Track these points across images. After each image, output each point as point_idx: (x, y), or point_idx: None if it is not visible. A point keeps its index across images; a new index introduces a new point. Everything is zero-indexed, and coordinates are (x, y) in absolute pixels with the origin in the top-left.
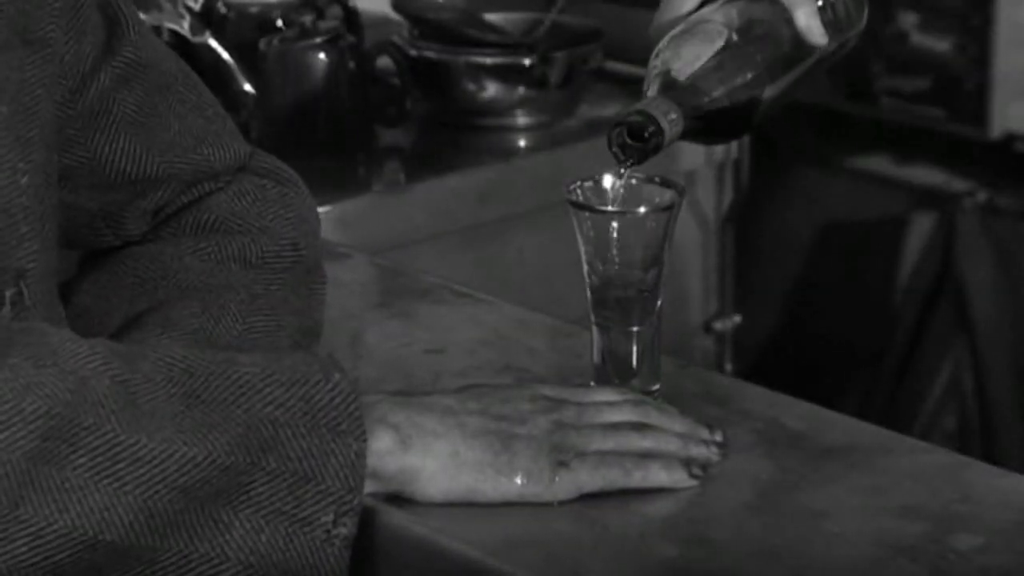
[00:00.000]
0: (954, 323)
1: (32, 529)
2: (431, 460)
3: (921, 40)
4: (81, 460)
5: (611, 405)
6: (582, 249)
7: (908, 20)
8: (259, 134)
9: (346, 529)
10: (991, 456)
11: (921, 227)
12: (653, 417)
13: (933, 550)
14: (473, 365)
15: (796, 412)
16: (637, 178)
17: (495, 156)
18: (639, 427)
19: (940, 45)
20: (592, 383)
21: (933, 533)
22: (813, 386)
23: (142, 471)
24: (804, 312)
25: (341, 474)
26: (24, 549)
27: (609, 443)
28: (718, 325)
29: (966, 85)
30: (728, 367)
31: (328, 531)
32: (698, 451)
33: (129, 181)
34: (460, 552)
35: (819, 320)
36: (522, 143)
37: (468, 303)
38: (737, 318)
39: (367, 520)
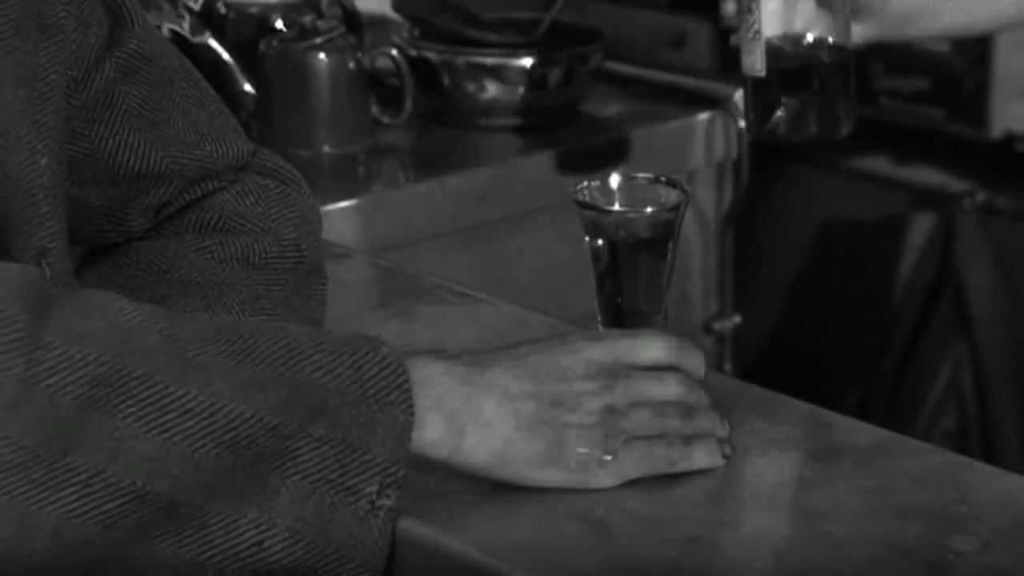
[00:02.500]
0: (953, 323)
1: (82, 477)
2: (483, 448)
3: (920, 40)
4: (131, 409)
5: (660, 382)
6: (588, 247)
7: None
8: (259, 134)
9: (390, 501)
10: (991, 456)
11: (920, 227)
12: (693, 395)
13: (933, 550)
14: None
15: (796, 412)
16: (643, 178)
17: (495, 156)
18: (682, 408)
19: (940, 45)
20: None
21: (933, 533)
22: (813, 386)
23: (190, 423)
24: (804, 312)
25: (387, 445)
26: (73, 498)
27: (655, 429)
28: (718, 325)
29: (966, 85)
30: (728, 367)
31: (372, 502)
32: (725, 428)
33: (132, 175)
34: (461, 552)
35: (819, 320)
36: (521, 144)
37: (468, 303)
38: (737, 318)
39: None
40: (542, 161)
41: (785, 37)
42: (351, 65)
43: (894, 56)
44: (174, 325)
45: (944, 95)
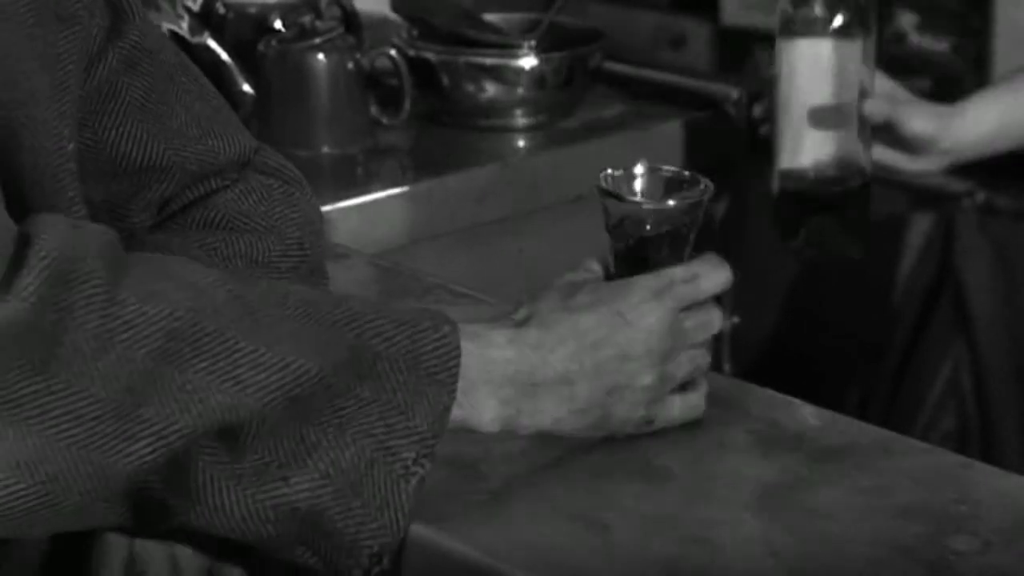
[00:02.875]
0: (953, 323)
1: (155, 428)
2: (532, 427)
3: (920, 41)
4: (203, 364)
5: (710, 324)
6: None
7: (907, 21)
8: (258, 135)
9: (423, 470)
10: (990, 456)
11: (920, 227)
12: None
13: (932, 550)
14: None
15: (795, 412)
16: (667, 170)
17: (494, 156)
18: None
19: (939, 46)
20: None
21: (932, 534)
22: (812, 386)
23: (260, 376)
24: (803, 312)
25: (429, 418)
26: (148, 450)
27: (696, 372)
28: None
29: (965, 86)
30: (727, 367)
31: (407, 467)
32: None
33: (134, 168)
34: (461, 552)
35: (818, 320)
36: (521, 144)
37: (467, 303)
38: (735, 318)
39: None
40: (541, 161)
41: (802, 168)
42: (350, 65)
43: (893, 57)
44: (243, 286)
45: (944, 96)
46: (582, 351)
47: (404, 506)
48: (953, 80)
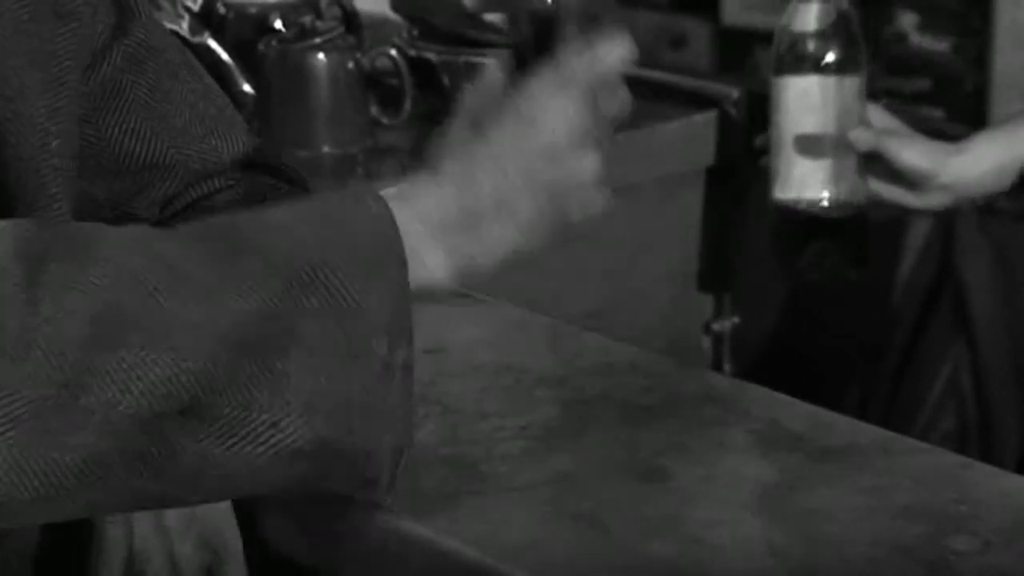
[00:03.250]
0: (953, 323)
1: (99, 416)
2: (489, 263)
3: (920, 41)
4: (135, 338)
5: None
6: None
7: (907, 21)
8: (258, 135)
9: (403, 353)
10: (990, 456)
11: (919, 227)
12: None
13: (932, 550)
14: (473, 365)
15: (795, 413)
16: None
17: None
18: None
19: (939, 46)
20: None
21: (932, 534)
22: (812, 387)
23: (195, 336)
24: (803, 312)
25: (386, 302)
26: (94, 438)
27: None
28: (716, 325)
29: (965, 86)
30: (727, 368)
31: (386, 363)
32: None
33: (138, 166)
34: (460, 552)
35: (818, 320)
36: None
37: (468, 303)
38: (736, 318)
39: (367, 520)
40: None
41: (796, 198)
42: (350, 65)
43: (893, 57)
44: (162, 242)
45: (944, 96)
46: (507, 166)
47: (400, 403)
48: (953, 80)
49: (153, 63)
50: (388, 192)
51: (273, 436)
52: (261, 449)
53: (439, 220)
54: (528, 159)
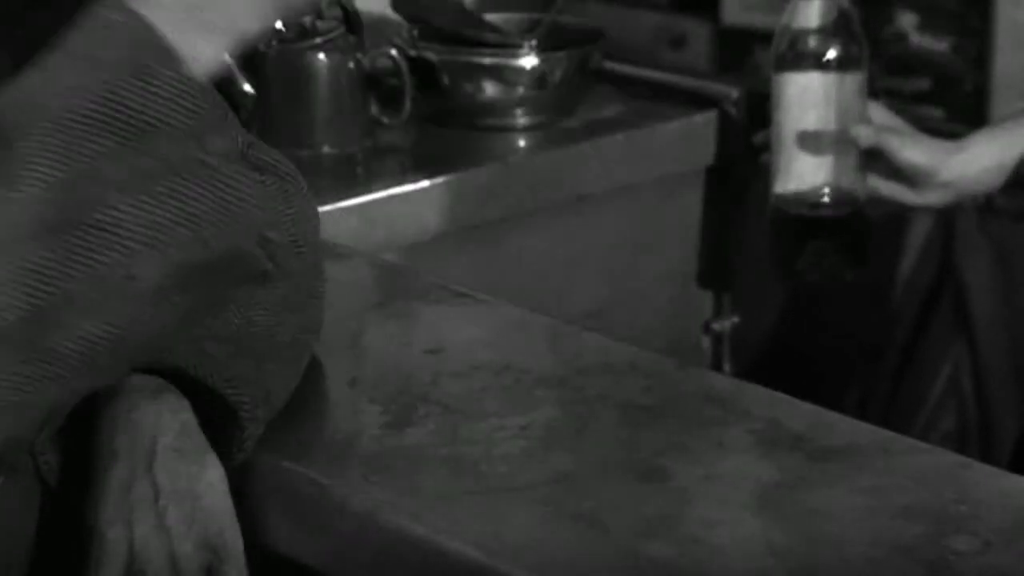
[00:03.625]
0: (953, 323)
1: None
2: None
3: (920, 41)
4: None
5: None
6: None
7: (907, 21)
8: (258, 135)
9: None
10: (990, 456)
11: (919, 227)
12: None
13: (932, 550)
14: (472, 365)
15: (795, 412)
16: None
17: (494, 156)
18: None
19: (939, 46)
20: None
21: (932, 534)
22: (812, 386)
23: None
24: (803, 312)
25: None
26: None
27: None
28: (716, 325)
29: (965, 86)
30: (727, 367)
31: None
32: None
33: None
34: (460, 552)
35: (818, 320)
36: (521, 144)
37: (467, 303)
38: (735, 318)
39: (366, 520)
40: (541, 161)
41: (796, 194)
42: (350, 65)
43: (893, 57)
44: None
45: (944, 96)
46: None
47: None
48: (953, 80)
49: None
50: None
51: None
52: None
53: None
54: None
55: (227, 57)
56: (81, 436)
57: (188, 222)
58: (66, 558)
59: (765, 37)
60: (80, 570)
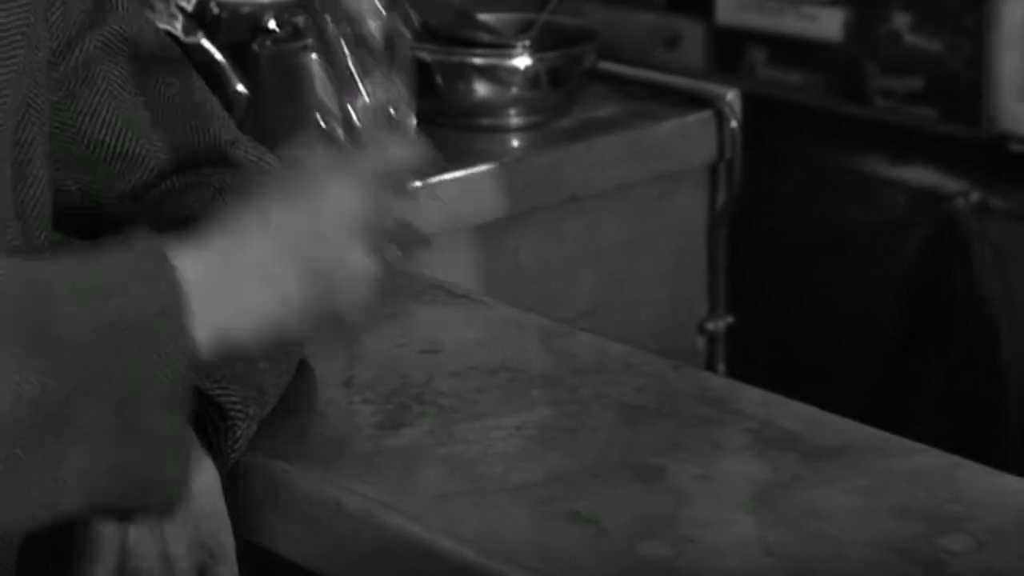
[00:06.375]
0: (952, 323)
1: None
2: (256, 344)
3: (914, 40)
4: None
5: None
6: None
7: (901, 20)
8: (252, 135)
9: (177, 422)
10: (990, 456)
11: (915, 227)
12: None
13: (928, 550)
14: (468, 365)
15: (790, 413)
16: None
17: (489, 156)
18: None
19: (933, 45)
20: None
21: (927, 534)
22: (807, 387)
23: None
24: (797, 312)
25: (168, 375)
26: None
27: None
28: (711, 325)
29: (960, 85)
30: (721, 367)
31: (163, 436)
32: None
33: (108, 156)
34: (455, 551)
35: (812, 320)
36: (516, 144)
37: (463, 303)
38: (730, 318)
39: (361, 520)
40: (536, 162)
41: None
42: None
43: (888, 56)
44: None
45: (938, 95)
46: (278, 246)
47: (174, 465)
48: (947, 79)
49: (128, 55)
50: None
51: (53, 505)
52: (42, 513)
53: (197, 288)
54: (297, 234)
55: (225, 59)
56: None
57: None
58: (60, 557)
59: (760, 37)
60: (74, 569)
